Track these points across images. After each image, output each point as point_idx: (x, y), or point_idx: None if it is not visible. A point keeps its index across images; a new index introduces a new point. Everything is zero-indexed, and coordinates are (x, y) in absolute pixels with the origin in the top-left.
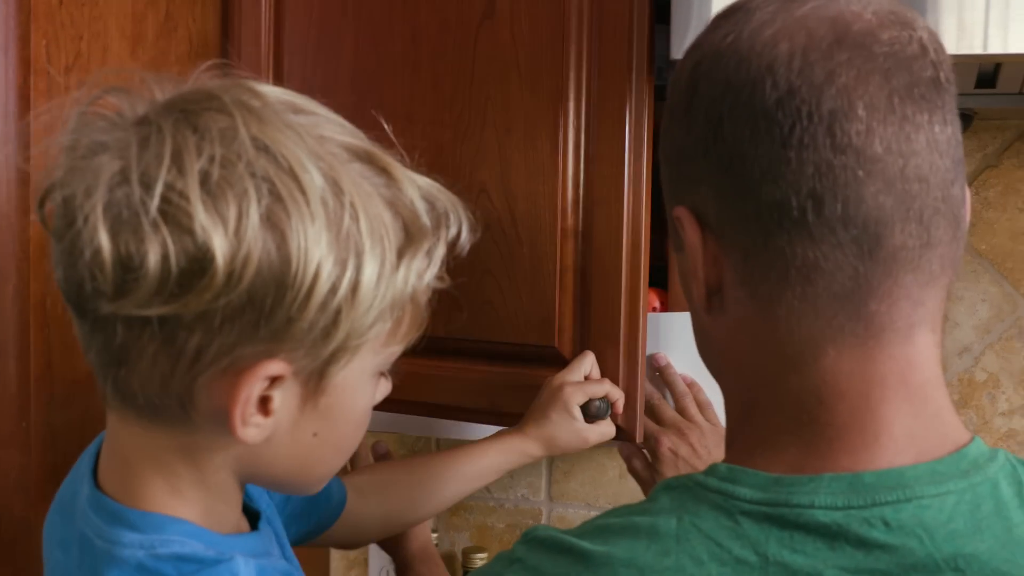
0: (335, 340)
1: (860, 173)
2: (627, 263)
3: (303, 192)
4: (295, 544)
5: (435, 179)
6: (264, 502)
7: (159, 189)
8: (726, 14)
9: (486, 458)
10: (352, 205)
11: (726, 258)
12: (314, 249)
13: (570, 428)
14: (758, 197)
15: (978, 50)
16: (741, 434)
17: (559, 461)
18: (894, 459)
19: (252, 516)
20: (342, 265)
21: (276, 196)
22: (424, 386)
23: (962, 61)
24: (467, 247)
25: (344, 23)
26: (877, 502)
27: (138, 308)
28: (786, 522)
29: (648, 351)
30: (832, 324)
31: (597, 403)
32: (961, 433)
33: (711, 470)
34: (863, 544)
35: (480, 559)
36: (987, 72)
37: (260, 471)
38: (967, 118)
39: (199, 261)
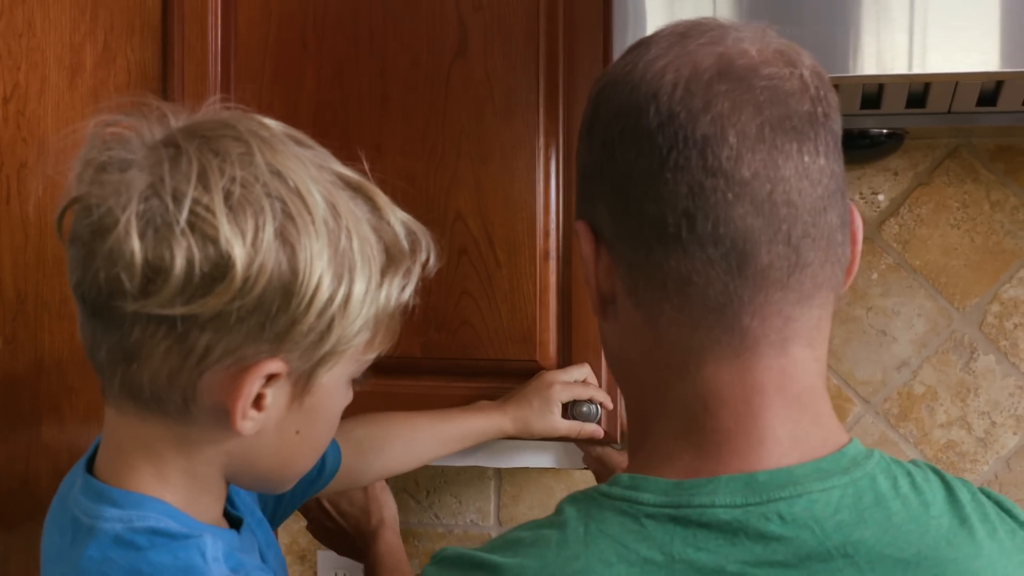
0: (327, 345)
1: (729, 195)
2: None
3: (310, 213)
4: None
5: (408, 206)
6: (248, 512)
7: (188, 203)
8: (632, 47)
9: (467, 424)
10: (347, 227)
11: (616, 269)
12: (317, 263)
13: (546, 418)
14: (641, 213)
15: (901, 70)
16: (640, 444)
17: (507, 485)
18: (781, 459)
19: (234, 524)
20: (339, 279)
21: (288, 214)
22: (402, 406)
23: (889, 81)
24: (434, 271)
25: (305, 56)
26: (772, 498)
27: (161, 307)
28: (689, 522)
29: None
30: (710, 336)
31: (587, 407)
32: (841, 435)
33: (614, 480)
34: (761, 538)
35: None
36: (917, 92)
37: (245, 466)
38: (899, 137)
39: (220, 267)
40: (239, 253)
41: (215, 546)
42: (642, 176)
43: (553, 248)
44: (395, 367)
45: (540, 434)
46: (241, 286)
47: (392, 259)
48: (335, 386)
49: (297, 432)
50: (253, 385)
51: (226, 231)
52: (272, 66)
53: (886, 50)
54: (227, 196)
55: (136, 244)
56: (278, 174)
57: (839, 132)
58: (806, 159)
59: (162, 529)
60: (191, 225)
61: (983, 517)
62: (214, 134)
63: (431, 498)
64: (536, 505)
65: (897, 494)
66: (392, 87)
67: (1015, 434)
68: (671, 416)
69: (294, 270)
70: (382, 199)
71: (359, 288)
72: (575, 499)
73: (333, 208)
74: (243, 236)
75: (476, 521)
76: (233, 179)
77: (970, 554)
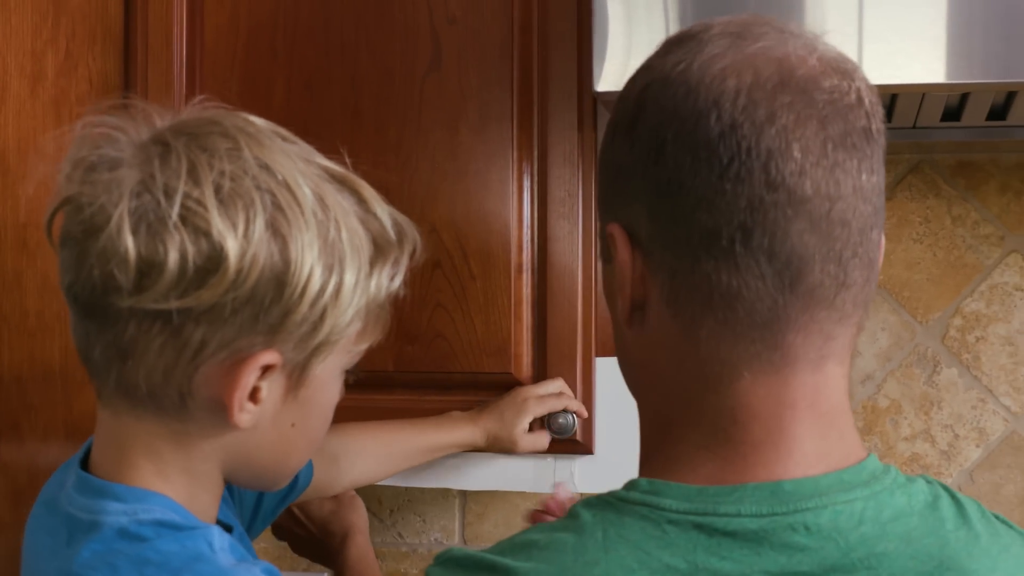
0: (320, 335)
1: (789, 211)
2: (581, 295)
3: (299, 205)
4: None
5: None
6: (235, 522)
7: (179, 198)
8: (678, 40)
9: (439, 436)
10: (336, 219)
11: (652, 277)
12: (308, 254)
13: (513, 433)
14: (691, 223)
15: None
16: (658, 450)
17: (472, 503)
18: (807, 471)
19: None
20: (329, 270)
21: (277, 207)
22: (375, 420)
23: None
24: (420, 261)
25: (274, 66)
26: (799, 508)
27: (156, 302)
28: (714, 530)
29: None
30: (750, 350)
31: (563, 418)
32: (860, 450)
33: (631, 485)
34: (786, 548)
35: None
36: (884, 106)
37: (243, 462)
38: None
39: (214, 260)
40: (231, 245)
41: (221, 537)
42: (697, 184)
43: (527, 261)
44: (368, 381)
45: (508, 447)
46: (235, 278)
47: (380, 249)
48: (328, 378)
49: (293, 425)
50: (249, 377)
51: (218, 224)
52: (240, 75)
53: None
54: (217, 190)
55: (129, 240)
56: (266, 168)
57: (885, 147)
58: (863, 177)
59: (168, 521)
60: (183, 219)
61: (993, 532)
62: (201, 131)
63: (394, 516)
64: (501, 523)
65: (913, 509)
66: (364, 99)
67: (978, 446)
68: (697, 426)
69: (286, 261)
70: (368, 191)
71: (349, 278)
72: (590, 503)
73: (321, 200)
74: (235, 228)
75: (440, 540)
76: (222, 173)
77: (988, 566)
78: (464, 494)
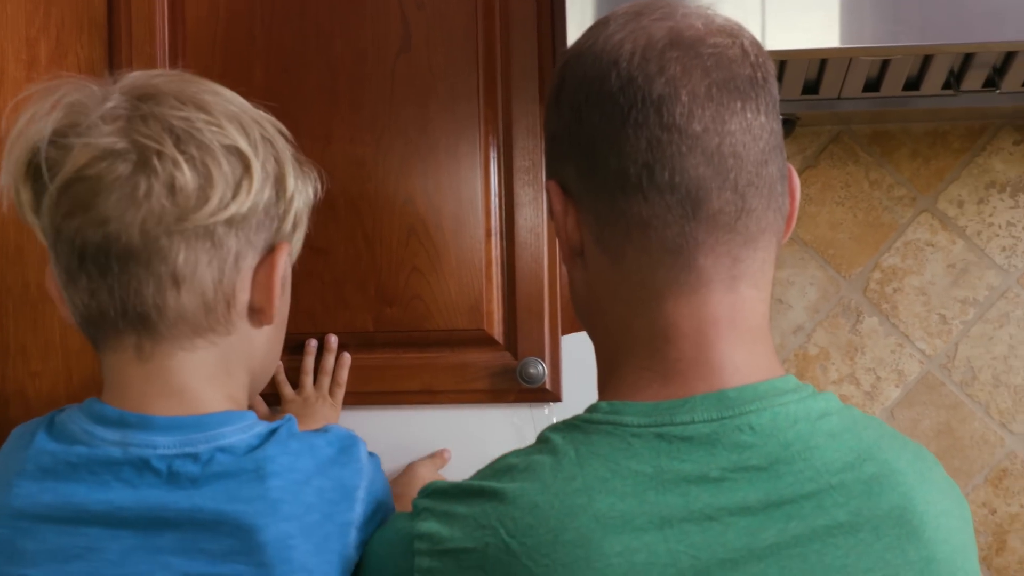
0: (298, 230)
1: (683, 148)
2: (547, 255)
3: (280, 133)
4: None
5: (358, 190)
6: None
7: (201, 124)
8: (591, 27)
9: None
10: (286, 146)
11: (584, 221)
12: (287, 164)
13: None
14: (606, 168)
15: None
16: (610, 377)
17: None
18: (744, 381)
19: None
20: (296, 173)
21: (260, 125)
22: (357, 378)
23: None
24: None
25: (253, 51)
26: (744, 411)
27: (209, 218)
28: (673, 437)
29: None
30: (668, 275)
31: (533, 369)
32: (781, 369)
33: (593, 408)
34: (736, 446)
35: None
36: (811, 80)
37: (257, 367)
38: (790, 123)
39: (245, 170)
40: (252, 156)
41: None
42: (606, 134)
43: (496, 226)
44: (351, 341)
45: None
46: (260, 184)
47: (303, 166)
48: (289, 277)
49: (283, 322)
50: (282, 265)
51: (239, 140)
52: (221, 61)
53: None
54: (227, 116)
55: (184, 167)
56: (237, 105)
57: (776, 96)
58: (748, 116)
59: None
60: (214, 140)
61: (891, 434)
62: (184, 87)
63: None
64: None
65: (832, 410)
66: (340, 80)
67: (897, 387)
68: (636, 349)
69: (280, 165)
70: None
71: (301, 181)
72: (557, 428)
73: (281, 132)
74: (249, 142)
75: None
76: (216, 105)
77: (895, 456)
78: None
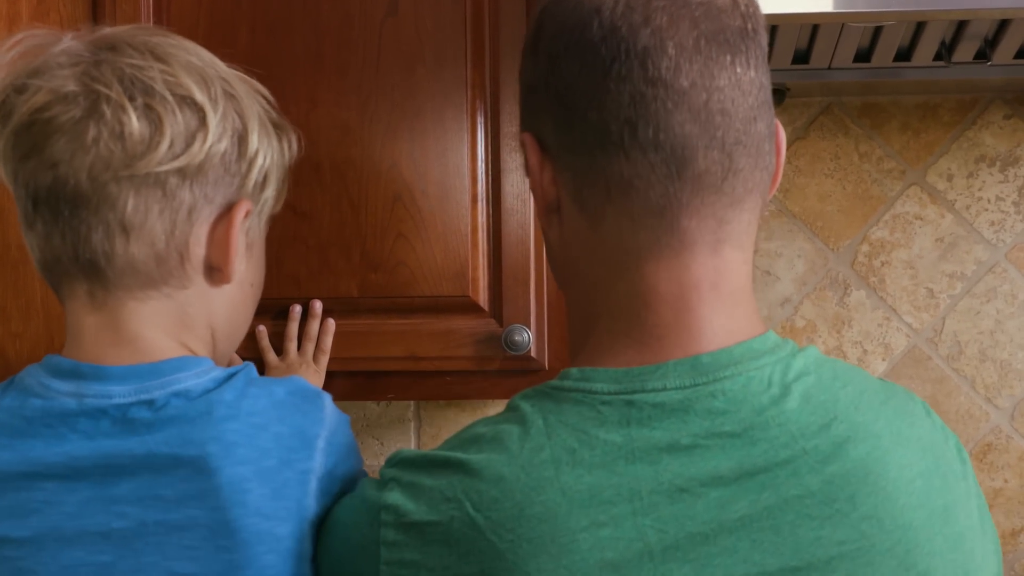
0: (266, 190)
1: (669, 104)
2: (533, 222)
3: (256, 92)
4: None
5: (344, 155)
6: None
7: (157, 74)
8: None
9: None
10: (257, 105)
11: (560, 178)
12: (252, 121)
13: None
14: (585, 123)
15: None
16: (585, 341)
17: (426, 425)
18: (720, 345)
19: None
20: (263, 131)
21: (224, 80)
22: (342, 344)
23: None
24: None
25: (238, 13)
26: (716, 378)
27: (157, 166)
28: (643, 404)
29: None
30: (650, 237)
31: (518, 336)
32: (762, 327)
33: (564, 375)
34: (709, 413)
35: None
36: (802, 49)
37: (222, 324)
38: (781, 93)
39: (199, 120)
40: (209, 107)
41: None
42: (586, 87)
43: (482, 192)
44: (335, 307)
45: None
46: (216, 136)
47: (280, 129)
48: (262, 239)
49: (251, 285)
50: (240, 223)
51: (195, 91)
52: (207, 22)
53: None
54: (187, 68)
55: (132, 113)
56: (205, 59)
57: (766, 48)
58: (738, 70)
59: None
60: (167, 89)
61: (873, 389)
62: (137, 36)
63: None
64: None
65: (809, 370)
66: (326, 43)
67: (884, 360)
68: (613, 314)
69: (242, 119)
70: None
71: (273, 140)
72: (527, 395)
73: (251, 86)
74: (208, 95)
75: None
76: (175, 57)
77: (871, 418)
78: (419, 416)
